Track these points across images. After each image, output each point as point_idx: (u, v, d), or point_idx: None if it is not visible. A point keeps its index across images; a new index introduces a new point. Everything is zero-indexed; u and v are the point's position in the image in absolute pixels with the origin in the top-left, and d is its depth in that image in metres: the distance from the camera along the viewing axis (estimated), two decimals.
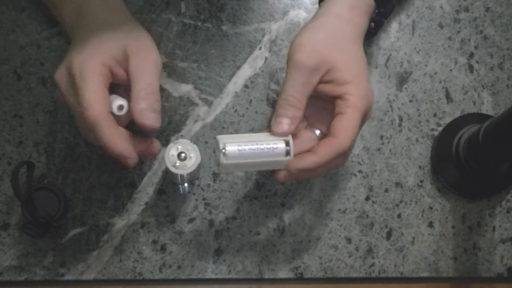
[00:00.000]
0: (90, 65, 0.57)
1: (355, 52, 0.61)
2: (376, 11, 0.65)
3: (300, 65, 0.58)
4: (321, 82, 0.59)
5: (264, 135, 0.59)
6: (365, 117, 0.60)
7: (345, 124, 0.58)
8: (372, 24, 0.67)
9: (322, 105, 0.61)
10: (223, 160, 0.57)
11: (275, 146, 0.58)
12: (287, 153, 0.58)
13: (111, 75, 0.58)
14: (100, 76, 0.57)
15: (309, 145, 0.60)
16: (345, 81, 0.59)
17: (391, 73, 0.73)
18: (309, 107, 0.60)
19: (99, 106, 0.56)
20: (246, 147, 0.58)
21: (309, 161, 0.58)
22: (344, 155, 0.58)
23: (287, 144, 0.58)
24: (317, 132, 0.61)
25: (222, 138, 0.58)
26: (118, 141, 0.56)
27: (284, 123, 0.58)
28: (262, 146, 0.58)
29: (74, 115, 0.59)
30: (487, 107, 0.73)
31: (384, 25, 0.69)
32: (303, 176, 0.60)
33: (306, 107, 0.61)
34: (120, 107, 0.58)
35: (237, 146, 0.58)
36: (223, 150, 0.57)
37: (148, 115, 0.57)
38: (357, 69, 0.60)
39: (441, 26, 0.75)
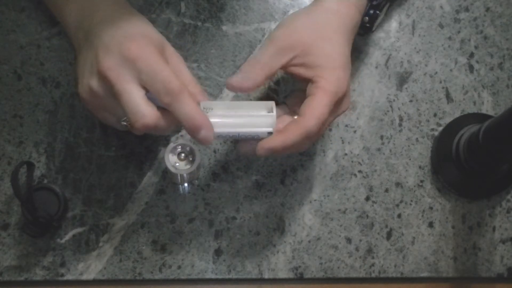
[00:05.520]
0: (151, 50, 0.57)
1: (336, 41, 0.61)
2: (369, 4, 0.66)
3: (275, 39, 0.60)
4: (293, 64, 0.60)
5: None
6: (339, 103, 0.60)
7: (312, 104, 0.58)
8: (366, 18, 0.67)
9: (304, 96, 0.62)
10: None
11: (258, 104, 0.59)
12: (274, 111, 0.59)
13: None
14: (163, 59, 0.57)
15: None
16: (316, 65, 0.60)
17: (391, 73, 0.73)
18: (293, 98, 0.63)
19: (174, 79, 0.56)
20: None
21: (277, 140, 0.58)
22: (309, 135, 0.58)
23: (270, 110, 0.59)
24: (296, 117, 0.62)
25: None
26: (200, 111, 0.56)
27: (238, 76, 0.59)
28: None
29: (126, 100, 0.56)
30: (487, 107, 0.73)
31: (380, 20, 0.69)
32: (272, 155, 0.61)
33: (290, 99, 0.63)
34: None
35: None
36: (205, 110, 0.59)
37: (207, 119, 0.58)
38: (333, 55, 0.60)
39: (441, 26, 0.75)
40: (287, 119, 0.62)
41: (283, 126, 0.59)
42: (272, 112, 0.59)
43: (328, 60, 0.60)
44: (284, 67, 0.61)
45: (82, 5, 0.62)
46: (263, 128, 0.59)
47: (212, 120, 0.58)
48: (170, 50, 0.61)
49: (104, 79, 0.56)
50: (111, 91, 0.56)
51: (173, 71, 0.58)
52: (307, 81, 0.60)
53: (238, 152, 0.60)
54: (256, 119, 0.59)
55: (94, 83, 0.58)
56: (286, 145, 0.58)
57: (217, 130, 0.58)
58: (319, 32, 0.61)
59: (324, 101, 0.58)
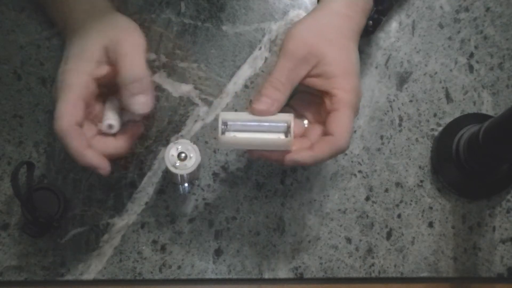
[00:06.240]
0: (70, 76, 0.58)
1: (347, 47, 0.61)
2: (374, 9, 0.66)
3: (290, 53, 0.60)
4: (310, 76, 0.60)
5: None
6: (355, 112, 0.61)
7: (341, 121, 0.59)
8: (370, 22, 0.67)
9: (310, 99, 0.63)
10: (222, 135, 0.58)
11: (276, 124, 0.59)
12: (287, 132, 0.59)
13: (99, 78, 0.59)
14: (78, 88, 0.58)
15: (297, 131, 0.61)
16: (333, 75, 0.60)
17: (391, 73, 0.73)
18: (298, 100, 0.64)
19: (67, 117, 0.57)
20: (246, 121, 0.59)
21: (306, 156, 0.59)
22: (340, 152, 0.59)
23: (288, 128, 0.59)
24: (305, 121, 0.63)
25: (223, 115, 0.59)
26: (86, 153, 0.58)
27: (264, 102, 0.59)
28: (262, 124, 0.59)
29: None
30: (487, 107, 0.73)
31: (383, 23, 0.69)
32: (297, 165, 0.61)
33: (295, 100, 0.64)
34: (110, 127, 0.60)
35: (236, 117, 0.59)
36: (222, 124, 0.58)
37: (139, 108, 0.59)
38: (347, 64, 0.60)
39: (441, 26, 0.75)
40: (297, 122, 0.62)
41: (297, 131, 0.60)
42: (290, 135, 0.58)
43: (343, 69, 0.60)
44: (301, 80, 0.61)
45: (62, 18, 0.64)
46: (278, 148, 0.59)
47: (227, 137, 0.58)
48: (116, 44, 0.59)
49: (56, 83, 0.60)
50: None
51: (128, 68, 0.58)
52: (322, 92, 0.60)
53: (250, 156, 0.61)
54: (272, 140, 0.59)
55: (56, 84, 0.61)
56: (316, 161, 0.59)
57: (231, 147, 0.59)
58: (329, 37, 0.61)
59: (349, 116, 0.59)
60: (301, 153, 0.59)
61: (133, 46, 0.59)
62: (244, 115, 0.59)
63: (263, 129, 0.59)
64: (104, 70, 0.59)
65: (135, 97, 0.58)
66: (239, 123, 0.59)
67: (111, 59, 0.59)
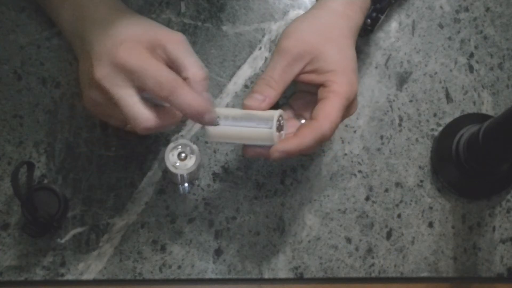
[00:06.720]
0: (140, 51, 0.56)
1: (344, 45, 0.61)
2: (372, 7, 0.66)
3: (285, 51, 0.60)
4: (304, 72, 0.60)
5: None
6: (349, 107, 0.60)
7: (326, 108, 0.58)
8: (369, 20, 0.67)
9: (310, 99, 0.62)
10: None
11: (263, 116, 0.58)
12: (274, 127, 0.58)
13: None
14: (154, 57, 0.56)
15: (292, 131, 0.61)
16: (328, 70, 0.59)
17: (391, 73, 0.73)
18: (297, 100, 0.63)
19: (170, 73, 0.55)
20: (232, 112, 0.59)
21: (290, 143, 0.58)
22: (323, 139, 0.58)
23: (271, 125, 0.59)
24: (303, 121, 0.62)
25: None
26: (200, 97, 0.56)
27: (256, 98, 0.59)
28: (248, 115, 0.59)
29: (124, 106, 0.56)
30: (487, 107, 0.73)
31: (381, 22, 0.69)
32: (285, 156, 0.60)
33: (294, 100, 0.63)
34: None
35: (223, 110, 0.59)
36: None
37: (208, 102, 0.57)
38: (343, 60, 0.60)
39: (441, 26, 0.75)
40: (295, 123, 0.62)
41: (293, 131, 0.59)
42: (273, 127, 0.58)
43: (338, 65, 0.60)
44: (295, 77, 0.61)
45: (74, 11, 0.63)
46: (264, 142, 0.59)
47: (212, 128, 0.58)
48: (169, 44, 0.58)
49: (100, 89, 0.56)
50: (110, 99, 0.57)
51: (175, 64, 0.57)
52: (317, 85, 0.60)
53: (245, 155, 0.60)
54: (258, 134, 0.58)
55: (93, 93, 0.58)
56: (301, 148, 0.58)
57: (220, 140, 0.58)
58: (327, 35, 0.60)
59: (337, 105, 0.58)
60: (285, 142, 0.58)
61: (186, 45, 0.59)
62: (233, 110, 0.59)
63: (252, 125, 0.59)
64: (164, 60, 0.58)
65: (203, 94, 0.57)
66: (230, 119, 0.59)
67: (160, 52, 0.58)
